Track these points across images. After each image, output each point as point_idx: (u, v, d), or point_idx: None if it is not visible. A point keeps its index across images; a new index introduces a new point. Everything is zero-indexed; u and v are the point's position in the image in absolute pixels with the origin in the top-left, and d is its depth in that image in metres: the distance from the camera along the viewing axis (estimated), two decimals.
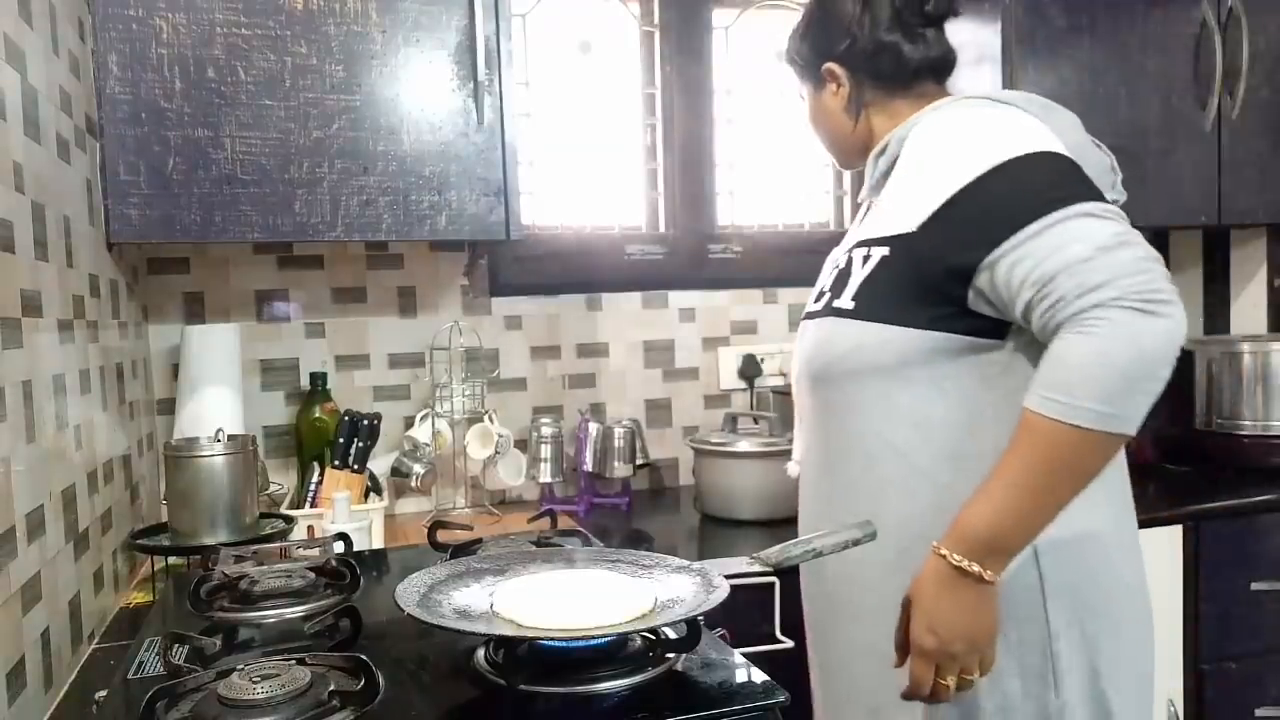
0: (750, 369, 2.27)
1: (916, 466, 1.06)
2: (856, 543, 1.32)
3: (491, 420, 1.99)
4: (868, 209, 1.19)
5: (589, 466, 2.03)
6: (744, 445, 1.87)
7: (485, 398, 2.01)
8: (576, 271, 2.19)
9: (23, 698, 0.98)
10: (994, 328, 1.02)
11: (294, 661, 0.88)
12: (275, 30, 1.56)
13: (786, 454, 1.86)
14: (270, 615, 1.07)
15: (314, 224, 1.59)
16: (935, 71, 1.19)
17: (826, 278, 1.17)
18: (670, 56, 2.26)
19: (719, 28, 2.30)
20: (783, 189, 2.39)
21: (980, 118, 1.05)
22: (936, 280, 1.01)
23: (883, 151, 1.14)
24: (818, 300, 1.17)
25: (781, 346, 2.32)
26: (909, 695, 0.99)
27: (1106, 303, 0.88)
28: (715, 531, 1.87)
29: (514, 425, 2.09)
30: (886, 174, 1.13)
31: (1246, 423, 2.18)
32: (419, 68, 1.63)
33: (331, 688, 0.84)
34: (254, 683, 0.82)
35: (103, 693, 0.95)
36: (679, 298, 2.26)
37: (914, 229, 1.02)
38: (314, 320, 2.00)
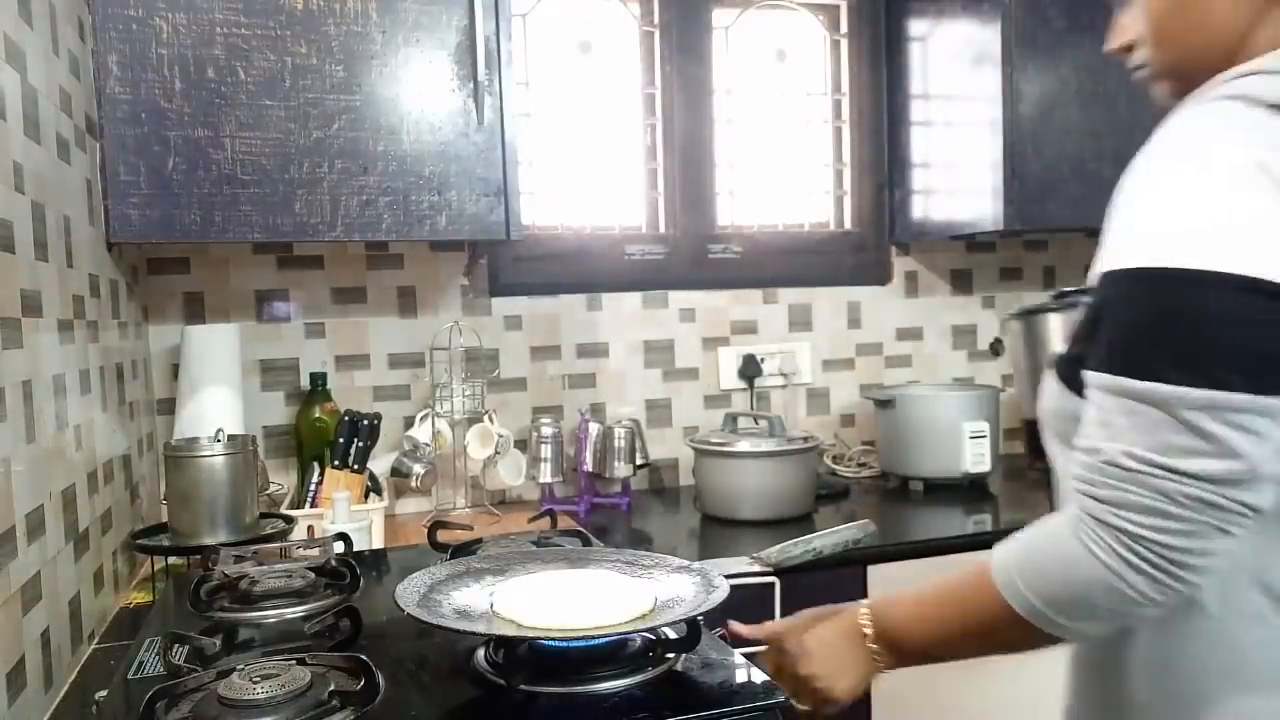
0: (750, 369, 2.27)
1: None
2: (857, 543, 1.31)
3: (491, 420, 1.99)
4: None
5: (589, 466, 2.03)
6: (744, 445, 1.87)
7: (485, 398, 2.01)
8: (576, 271, 2.19)
9: (23, 698, 0.98)
10: None
11: (294, 661, 0.88)
12: (275, 30, 1.56)
13: (787, 454, 1.88)
14: (270, 615, 1.07)
15: (314, 224, 1.59)
16: None
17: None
18: (670, 56, 2.26)
19: (719, 28, 2.30)
20: (783, 189, 2.39)
21: (1209, 154, 0.71)
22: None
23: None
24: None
25: (781, 346, 2.32)
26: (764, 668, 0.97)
27: (1102, 523, 0.71)
28: (715, 531, 1.87)
29: (514, 425, 2.09)
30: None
31: None
32: (419, 68, 1.63)
33: (331, 688, 0.84)
34: (254, 683, 0.82)
35: (103, 693, 0.95)
36: (679, 298, 2.26)
37: (1097, 280, 0.77)
38: (314, 320, 2.00)
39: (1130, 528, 0.70)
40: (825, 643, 0.95)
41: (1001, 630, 0.80)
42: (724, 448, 1.89)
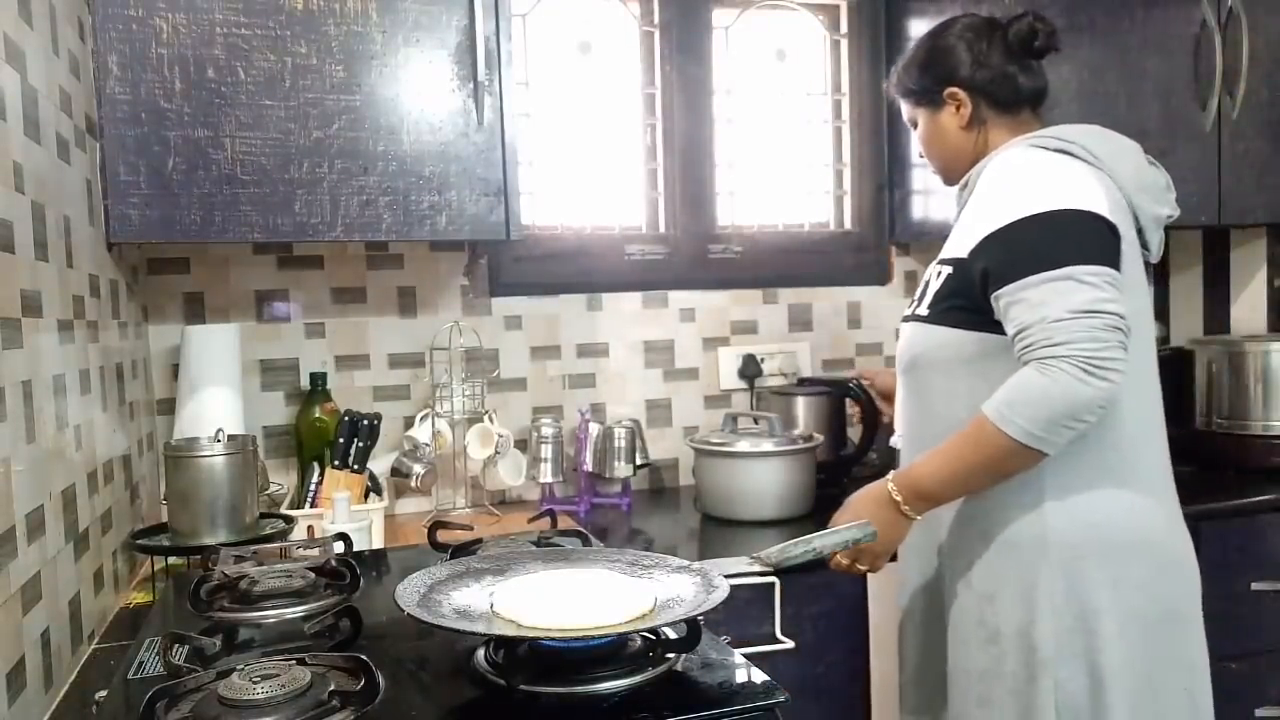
0: (750, 369, 2.27)
1: None
2: (856, 542, 1.33)
3: (491, 420, 1.99)
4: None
5: (589, 466, 2.03)
6: (744, 445, 1.87)
7: (485, 398, 2.01)
8: (576, 271, 2.19)
9: (23, 698, 0.98)
10: None
11: (294, 661, 0.88)
12: (275, 30, 1.56)
13: (787, 454, 1.88)
14: (270, 615, 1.07)
15: (314, 224, 1.59)
16: (1036, 98, 1.39)
17: (919, 289, 1.39)
18: (670, 56, 2.26)
19: (719, 28, 2.30)
20: (783, 189, 2.39)
21: (1036, 165, 1.26)
22: (979, 296, 1.23)
23: (965, 184, 1.38)
24: (910, 306, 1.40)
25: (781, 346, 2.32)
26: (833, 565, 1.32)
27: (1061, 357, 1.10)
28: (715, 531, 1.87)
29: (514, 425, 2.09)
30: (962, 203, 1.38)
31: (1247, 423, 2.18)
32: (419, 68, 1.63)
33: (331, 688, 0.84)
34: (254, 683, 0.82)
35: (103, 693, 0.95)
36: (679, 298, 2.26)
37: (964, 254, 1.25)
38: (314, 320, 2.00)
39: (1079, 354, 1.10)
40: (865, 514, 1.26)
41: (999, 459, 1.16)
42: (723, 448, 1.89)
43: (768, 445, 1.87)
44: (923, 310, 1.34)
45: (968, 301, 1.26)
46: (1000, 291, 1.18)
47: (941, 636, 1.35)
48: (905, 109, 1.48)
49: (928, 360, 1.33)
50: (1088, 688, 1.21)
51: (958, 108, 1.38)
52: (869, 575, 1.65)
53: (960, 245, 1.28)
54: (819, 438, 1.97)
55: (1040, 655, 1.21)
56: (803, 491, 1.90)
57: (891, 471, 1.28)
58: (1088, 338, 1.10)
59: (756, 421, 2.01)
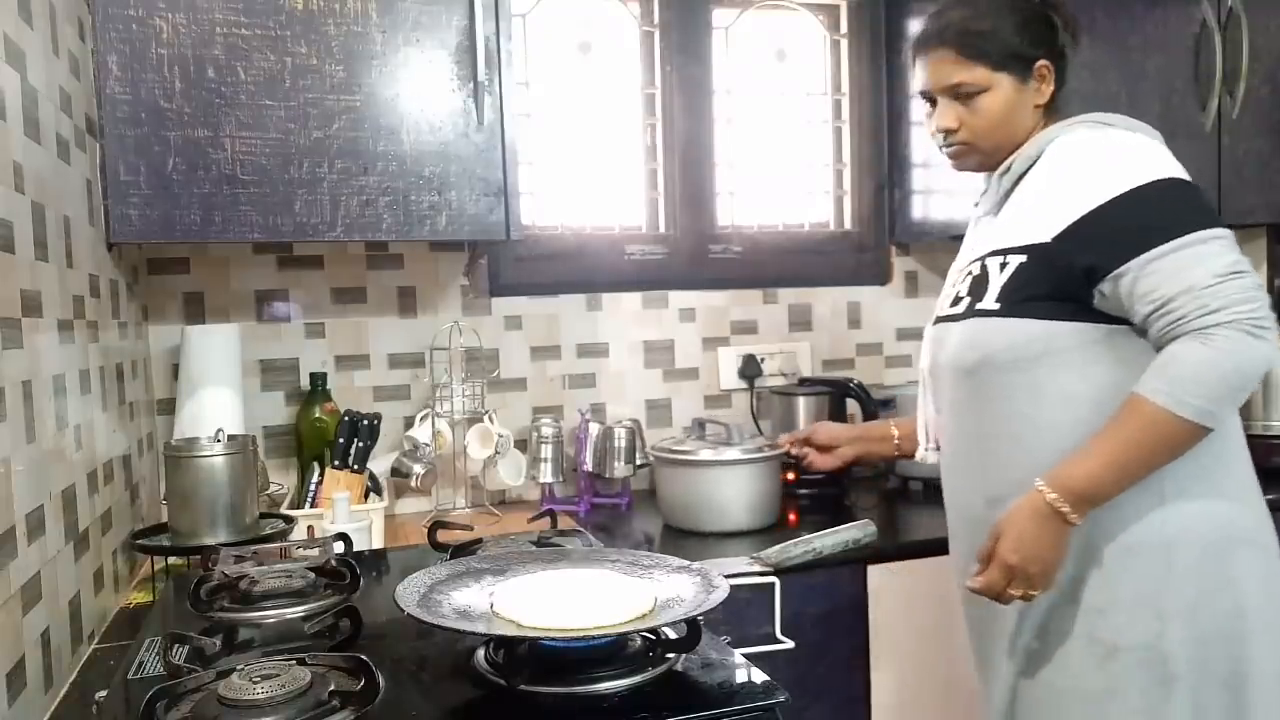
0: (750, 369, 2.27)
1: (1064, 439, 1.16)
2: (857, 543, 1.33)
3: (491, 420, 1.99)
4: (981, 223, 1.35)
5: (589, 466, 2.03)
6: (705, 454, 1.77)
7: (485, 398, 2.01)
8: (576, 271, 2.19)
9: (23, 698, 0.98)
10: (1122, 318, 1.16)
11: (294, 661, 0.88)
12: (275, 30, 1.56)
13: (742, 463, 1.76)
14: (270, 615, 1.07)
15: (314, 224, 1.59)
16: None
17: (960, 285, 1.29)
18: (670, 56, 2.26)
19: (719, 28, 2.30)
20: (782, 189, 2.39)
21: (1120, 142, 1.18)
22: (1070, 283, 1.15)
23: (1007, 170, 1.27)
24: (955, 304, 1.28)
25: (781, 346, 2.32)
26: (977, 591, 1.17)
27: (1222, 324, 1.05)
28: (674, 542, 1.77)
29: (514, 425, 2.09)
30: (1009, 192, 1.27)
31: (1248, 422, 2.17)
32: (419, 68, 1.63)
33: (331, 688, 0.84)
34: (254, 683, 0.82)
35: (103, 693, 0.95)
36: (679, 298, 2.26)
37: (1049, 240, 1.16)
38: (314, 320, 2.00)
39: (1241, 316, 1.05)
40: (1028, 534, 1.13)
41: (1171, 443, 1.09)
42: (680, 456, 1.80)
43: (728, 454, 1.77)
44: (988, 304, 1.21)
45: (1054, 290, 1.16)
46: (1122, 269, 1.10)
47: (1036, 659, 1.23)
48: (957, 72, 1.26)
49: (1006, 358, 1.19)
50: (1228, 703, 1.13)
51: (1042, 82, 1.26)
52: (869, 575, 1.65)
53: (1032, 231, 1.18)
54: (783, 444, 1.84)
55: (1172, 669, 1.13)
56: (764, 503, 1.80)
57: (1039, 480, 1.13)
58: (1243, 299, 1.05)
59: (727, 428, 1.86)
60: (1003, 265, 1.21)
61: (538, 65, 2.18)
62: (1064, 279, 1.15)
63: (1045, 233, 1.17)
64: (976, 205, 1.37)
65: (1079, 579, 1.18)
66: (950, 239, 2.32)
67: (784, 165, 2.39)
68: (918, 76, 1.32)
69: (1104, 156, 1.17)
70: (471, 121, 1.66)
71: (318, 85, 1.58)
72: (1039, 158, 1.24)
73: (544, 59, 2.19)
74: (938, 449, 1.38)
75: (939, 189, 2.24)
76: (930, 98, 1.31)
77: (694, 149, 2.28)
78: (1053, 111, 1.29)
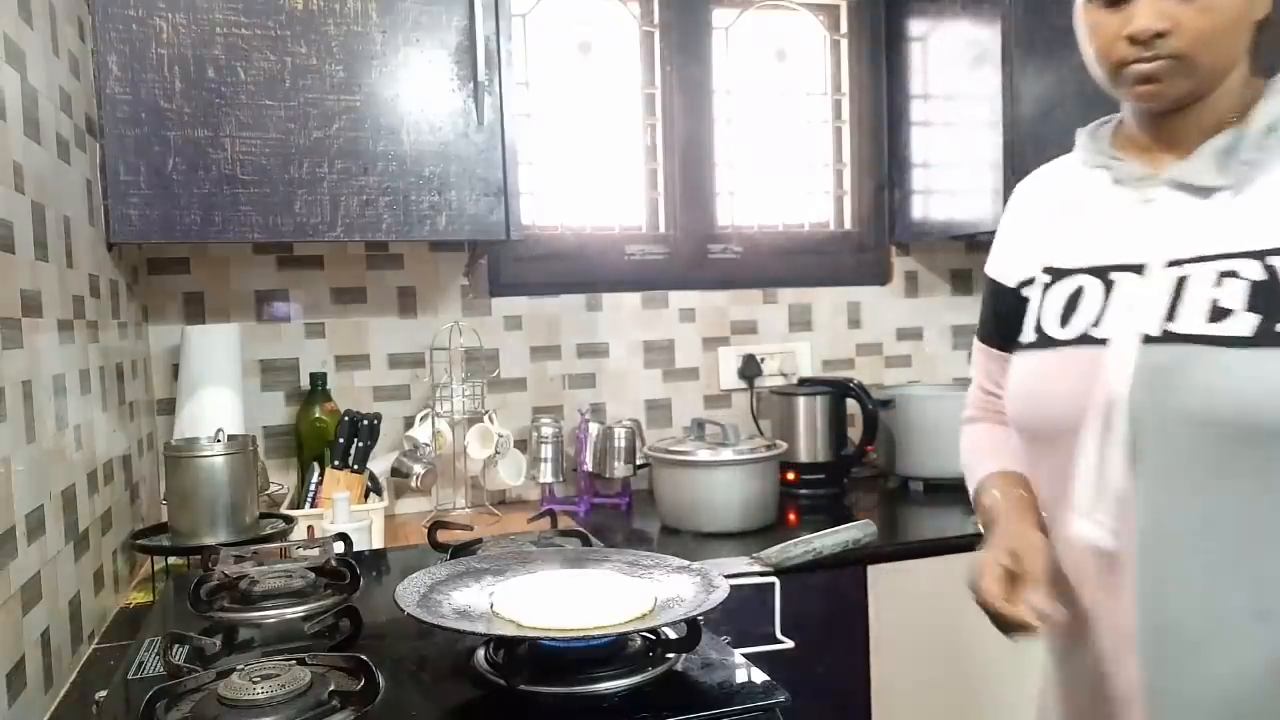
0: (750, 369, 2.27)
1: None
2: (857, 543, 1.32)
3: (491, 420, 1.99)
4: (1180, 199, 0.93)
5: (589, 466, 2.03)
6: (703, 454, 1.78)
7: (485, 398, 2.01)
8: (576, 271, 2.19)
9: (23, 698, 0.98)
10: None
11: (294, 661, 0.88)
12: (275, 30, 1.56)
13: (739, 464, 1.76)
14: (270, 615, 1.07)
15: (314, 224, 1.59)
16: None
17: (1221, 291, 0.87)
18: (670, 56, 2.26)
19: (719, 28, 2.30)
20: (782, 189, 2.39)
21: None
22: None
23: (1274, 127, 0.90)
24: (1220, 319, 0.86)
25: (781, 346, 2.32)
26: None
27: None
28: (673, 543, 1.79)
29: (514, 425, 2.09)
30: (1251, 161, 0.90)
31: None
32: (419, 68, 1.63)
33: (331, 688, 0.84)
34: (254, 683, 0.82)
35: (103, 693, 0.95)
36: (679, 298, 2.26)
37: None
38: (314, 320, 2.00)
39: None
40: None
41: None
42: (676, 456, 1.80)
43: (726, 454, 1.78)
44: (1244, 328, 0.83)
45: None
46: None
47: None
48: None
49: None
50: None
51: None
52: (869, 575, 1.65)
53: None
54: (782, 445, 1.89)
55: None
56: (759, 503, 1.80)
57: None
58: None
59: (726, 430, 1.88)
60: (1269, 270, 0.85)
61: (538, 65, 2.18)
62: None
63: None
64: (1115, 169, 0.98)
65: None
66: (950, 239, 2.33)
67: (784, 165, 2.39)
68: None
69: None
70: (471, 121, 1.66)
71: (318, 85, 1.58)
72: None
73: (544, 59, 2.19)
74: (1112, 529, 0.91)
75: (939, 189, 2.24)
76: None
77: (694, 149, 2.29)
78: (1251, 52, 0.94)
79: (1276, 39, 0.95)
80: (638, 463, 2.04)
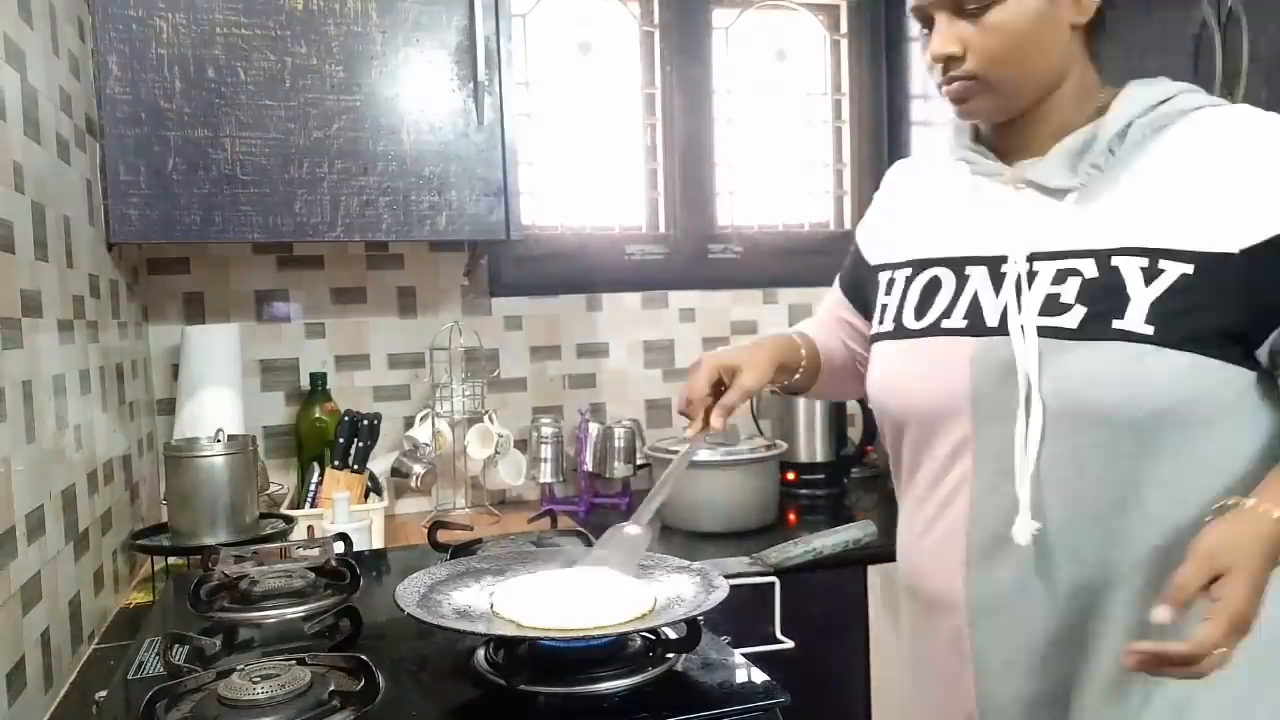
0: None
1: (1191, 518, 0.87)
2: (857, 542, 1.32)
3: (491, 420, 1.99)
4: (1030, 196, 0.96)
5: (589, 466, 2.03)
6: (703, 454, 1.77)
7: (485, 398, 2.01)
8: (576, 271, 2.19)
9: (23, 698, 0.98)
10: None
11: (294, 661, 0.88)
12: (275, 30, 1.56)
13: (737, 464, 1.76)
14: (270, 615, 1.06)
15: (314, 224, 1.59)
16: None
17: (1059, 286, 0.90)
18: (670, 56, 2.26)
19: (719, 28, 2.30)
20: (783, 189, 2.39)
21: None
22: (1246, 314, 0.85)
23: (1121, 135, 0.92)
24: (1057, 313, 0.89)
25: None
26: (1188, 654, 0.76)
27: None
28: (675, 543, 1.78)
29: (514, 425, 2.09)
30: (1100, 165, 0.92)
31: None
32: (419, 68, 1.63)
33: (331, 688, 0.84)
34: (254, 683, 0.82)
35: (103, 693, 0.95)
36: (679, 298, 2.26)
37: (1235, 251, 0.84)
38: (314, 320, 2.00)
39: None
40: (1260, 575, 0.79)
41: None
42: (676, 457, 1.80)
43: (726, 454, 1.77)
44: (1133, 325, 0.85)
45: (1228, 320, 0.85)
46: None
47: None
48: None
49: (1163, 404, 0.85)
50: None
51: (1077, 1, 0.93)
52: (869, 575, 1.65)
53: (1201, 234, 0.85)
54: (782, 445, 1.89)
55: None
56: (758, 504, 1.81)
57: (1252, 499, 0.82)
58: None
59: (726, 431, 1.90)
60: (1152, 273, 0.86)
61: (538, 65, 2.18)
62: (1242, 307, 0.85)
63: (1228, 240, 0.85)
64: (975, 165, 1.01)
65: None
66: None
67: (784, 165, 2.39)
68: None
69: None
70: (471, 121, 1.66)
71: (318, 85, 1.58)
72: (1165, 126, 0.92)
73: (544, 59, 2.19)
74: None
75: None
76: (925, 15, 0.94)
77: (694, 149, 2.29)
78: (1093, 55, 0.98)
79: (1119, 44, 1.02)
80: (638, 463, 2.04)
